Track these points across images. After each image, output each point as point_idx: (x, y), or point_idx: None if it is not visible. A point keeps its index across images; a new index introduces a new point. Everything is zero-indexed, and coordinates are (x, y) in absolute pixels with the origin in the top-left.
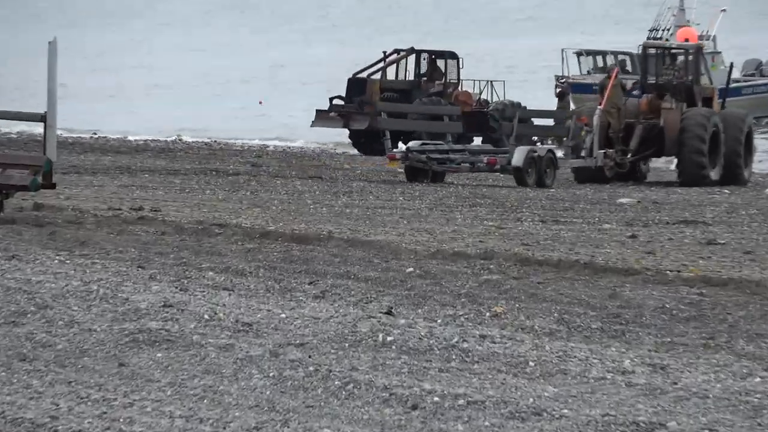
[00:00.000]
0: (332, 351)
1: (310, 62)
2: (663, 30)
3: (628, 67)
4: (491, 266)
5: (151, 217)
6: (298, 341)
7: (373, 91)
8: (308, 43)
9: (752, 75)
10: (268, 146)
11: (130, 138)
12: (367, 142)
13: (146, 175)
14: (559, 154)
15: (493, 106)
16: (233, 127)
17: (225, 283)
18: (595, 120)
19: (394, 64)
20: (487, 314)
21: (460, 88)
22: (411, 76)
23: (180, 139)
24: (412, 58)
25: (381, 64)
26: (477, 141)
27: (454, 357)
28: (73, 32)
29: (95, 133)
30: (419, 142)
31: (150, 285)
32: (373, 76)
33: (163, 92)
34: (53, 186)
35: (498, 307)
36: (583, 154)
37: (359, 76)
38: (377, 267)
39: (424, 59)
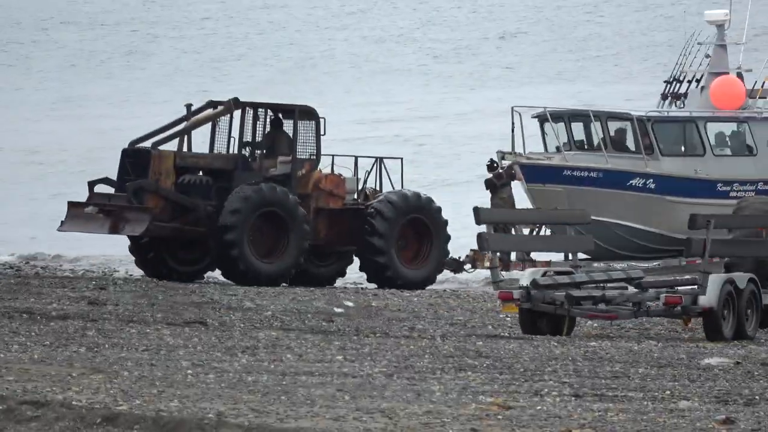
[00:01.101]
0: None
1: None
2: (688, 81)
3: (628, 140)
4: None
5: None
6: None
7: (162, 171)
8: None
9: None
10: (116, 270)
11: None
12: (156, 256)
13: None
14: None
15: None
16: None
17: None
18: None
19: (204, 127)
20: None
21: (324, 169)
22: (234, 148)
23: None
24: (235, 117)
25: (180, 127)
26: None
27: None
28: None
29: None
30: (541, 269)
31: None
32: (163, 146)
33: None
34: None
35: None
36: None
37: (141, 146)
38: None
39: (259, 120)
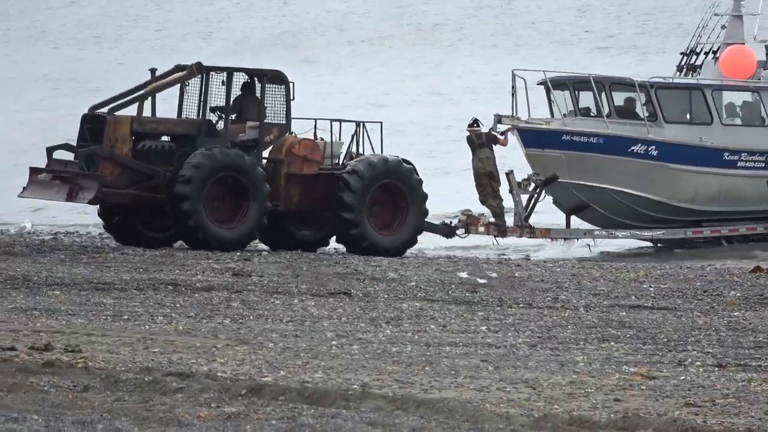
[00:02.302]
0: None
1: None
2: (704, 53)
3: (632, 107)
4: None
5: (65, 361)
6: None
7: (118, 137)
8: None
9: None
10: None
11: (27, 227)
12: (124, 222)
13: (57, 292)
14: None
15: None
16: None
17: None
18: None
19: (167, 91)
20: None
21: (292, 132)
22: (196, 113)
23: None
24: (195, 83)
25: (141, 92)
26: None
27: None
28: None
29: None
30: None
31: None
32: (121, 111)
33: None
34: None
35: None
36: None
37: (100, 111)
38: None
39: (222, 84)
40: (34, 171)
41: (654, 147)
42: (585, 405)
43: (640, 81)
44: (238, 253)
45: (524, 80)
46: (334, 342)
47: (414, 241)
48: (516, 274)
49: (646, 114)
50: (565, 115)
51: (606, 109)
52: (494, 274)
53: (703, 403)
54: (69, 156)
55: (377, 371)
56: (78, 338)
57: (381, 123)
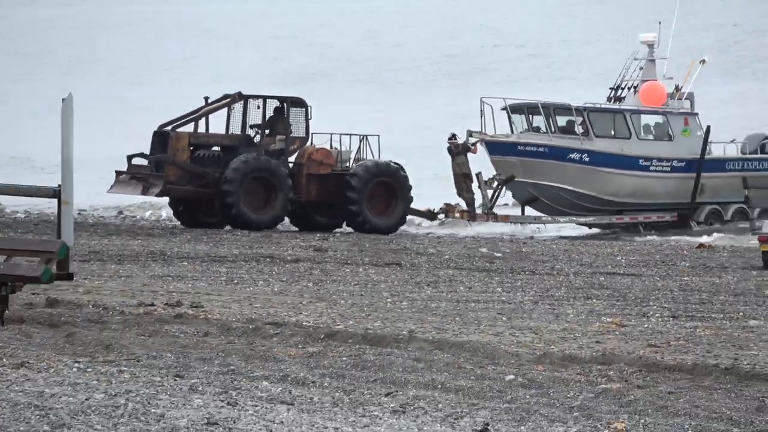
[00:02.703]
0: None
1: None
2: (627, 87)
3: (570, 126)
4: (610, 373)
5: (191, 314)
6: None
7: (178, 148)
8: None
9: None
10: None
11: (164, 216)
12: (187, 210)
13: (185, 263)
14: None
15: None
16: None
17: (282, 396)
18: None
19: (216, 114)
20: None
21: (312, 143)
22: (239, 129)
23: None
24: (240, 107)
25: (196, 114)
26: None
27: None
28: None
29: (121, 212)
30: None
31: (191, 398)
32: (182, 129)
33: None
34: (70, 277)
35: (619, 423)
36: None
37: (166, 129)
38: (470, 374)
39: (258, 108)
40: (118, 173)
41: (586, 154)
42: (574, 346)
43: (576, 106)
44: (318, 235)
45: (491, 106)
46: (388, 300)
47: (403, 222)
48: (523, 250)
49: (581, 130)
50: (521, 131)
51: (552, 127)
52: (507, 249)
53: (661, 344)
54: (143, 162)
55: (420, 321)
56: (200, 297)
57: (378, 136)
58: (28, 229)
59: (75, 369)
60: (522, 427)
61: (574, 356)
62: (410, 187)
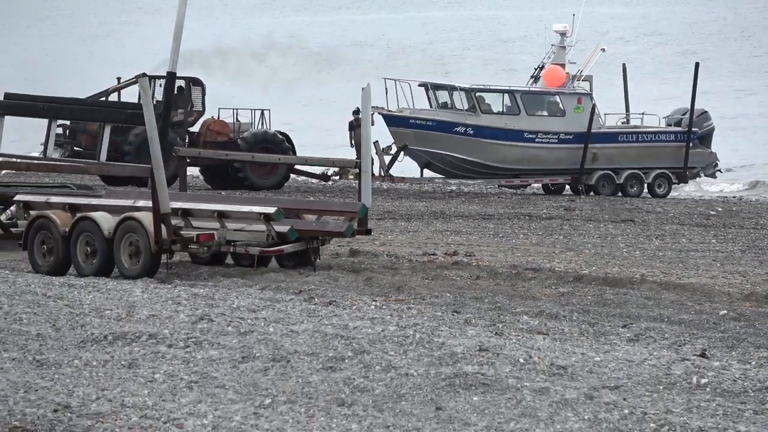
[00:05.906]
0: (646, 393)
1: None
2: (538, 68)
3: (457, 102)
4: None
5: (465, 262)
6: (612, 384)
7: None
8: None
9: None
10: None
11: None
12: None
13: (460, 221)
14: None
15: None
16: None
17: (539, 327)
18: None
19: (122, 92)
20: None
21: (214, 117)
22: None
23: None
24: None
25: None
26: None
27: None
28: None
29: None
30: None
31: (465, 329)
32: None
33: None
34: (368, 232)
35: None
36: None
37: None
38: (690, 310)
39: (160, 86)
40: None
41: (471, 128)
42: None
43: (460, 86)
44: (567, 196)
45: (399, 83)
46: (624, 249)
47: (286, 180)
48: (733, 209)
49: (466, 107)
50: (436, 108)
51: (437, 104)
52: (720, 208)
53: None
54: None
55: (650, 267)
56: (473, 248)
57: (269, 110)
58: (335, 194)
59: (372, 306)
60: (733, 353)
61: None
62: (293, 153)
